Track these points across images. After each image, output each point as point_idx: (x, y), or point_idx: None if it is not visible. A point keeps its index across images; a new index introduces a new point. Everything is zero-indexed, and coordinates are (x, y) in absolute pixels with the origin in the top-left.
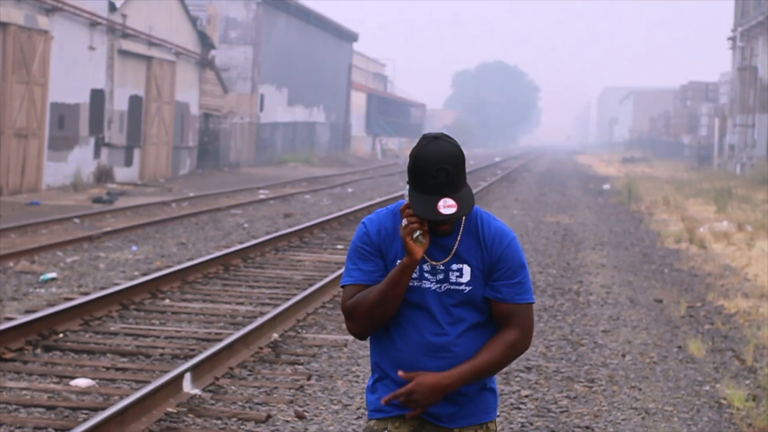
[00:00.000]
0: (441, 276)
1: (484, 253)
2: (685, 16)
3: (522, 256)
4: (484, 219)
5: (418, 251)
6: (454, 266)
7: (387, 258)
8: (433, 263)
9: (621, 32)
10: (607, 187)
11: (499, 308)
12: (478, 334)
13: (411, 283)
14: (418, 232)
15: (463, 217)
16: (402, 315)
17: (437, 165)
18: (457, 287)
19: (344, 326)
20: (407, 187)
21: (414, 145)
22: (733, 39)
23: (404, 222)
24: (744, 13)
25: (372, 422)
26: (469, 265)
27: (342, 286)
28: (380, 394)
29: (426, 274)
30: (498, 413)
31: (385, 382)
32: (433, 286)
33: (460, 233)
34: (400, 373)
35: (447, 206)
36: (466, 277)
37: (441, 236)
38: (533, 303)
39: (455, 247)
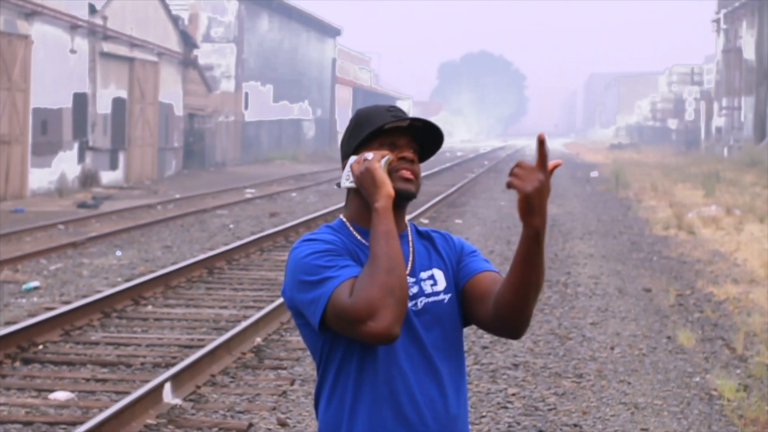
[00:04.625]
0: (414, 290)
1: (448, 249)
2: (669, 1)
3: None
4: (415, 225)
5: (390, 183)
6: (423, 274)
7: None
8: None
9: (605, 18)
10: (594, 174)
11: (484, 281)
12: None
13: None
14: (388, 156)
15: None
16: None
17: (387, 106)
18: (435, 298)
19: None
20: (347, 168)
21: None
22: (717, 21)
23: (368, 155)
24: None
25: None
26: (439, 269)
27: (329, 296)
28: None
29: None
30: None
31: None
32: (409, 304)
33: (410, 238)
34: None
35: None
36: (441, 283)
37: (405, 194)
38: None
39: (411, 251)
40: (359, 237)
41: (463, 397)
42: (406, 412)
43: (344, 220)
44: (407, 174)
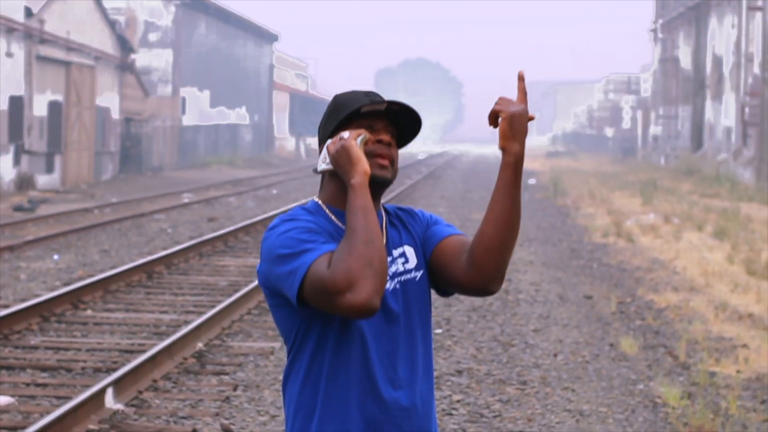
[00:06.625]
0: (391, 269)
1: (414, 224)
2: (607, 10)
3: None
4: (383, 205)
5: (366, 161)
6: (394, 252)
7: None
8: None
9: (543, 26)
10: (532, 181)
11: (452, 244)
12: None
13: None
14: (364, 135)
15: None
16: (350, 336)
17: (366, 91)
18: (408, 276)
19: (270, 333)
20: (324, 152)
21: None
22: (654, 31)
23: (344, 134)
24: (665, 5)
25: None
26: (410, 245)
27: (308, 267)
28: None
29: None
30: None
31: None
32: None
33: (384, 219)
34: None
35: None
36: (413, 260)
37: (381, 180)
38: None
39: (385, 232)
40: (336, 220)
41: (431, 376)
42: (383, 393)
43: (320, 202)
44: (383, 161)
